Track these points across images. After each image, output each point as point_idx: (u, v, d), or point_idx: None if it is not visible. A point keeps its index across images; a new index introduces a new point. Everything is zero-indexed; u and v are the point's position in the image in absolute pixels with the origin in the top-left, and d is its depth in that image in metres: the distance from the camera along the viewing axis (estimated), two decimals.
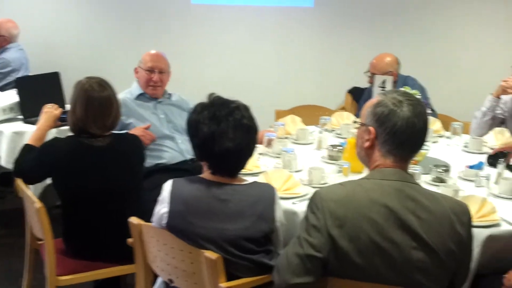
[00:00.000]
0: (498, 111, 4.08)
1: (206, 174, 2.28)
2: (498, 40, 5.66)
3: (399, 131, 1.89)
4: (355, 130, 2.08)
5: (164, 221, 2.22)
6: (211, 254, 2.08)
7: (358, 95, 5.00)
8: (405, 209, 1.83)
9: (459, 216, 1.88)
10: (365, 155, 1.99)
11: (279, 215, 2.27)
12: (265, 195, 2.26)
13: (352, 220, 1.81)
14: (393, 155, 1.92)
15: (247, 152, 2.29)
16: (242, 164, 2.31)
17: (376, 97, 1.98)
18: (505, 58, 4.60)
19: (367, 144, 1.95)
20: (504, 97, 4.04)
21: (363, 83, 4.65)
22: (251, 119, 2.28)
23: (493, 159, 3.19)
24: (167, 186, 2.24)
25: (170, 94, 3.86)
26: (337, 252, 1.82)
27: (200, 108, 2.26)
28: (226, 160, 2.22)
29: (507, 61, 4.20)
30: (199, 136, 2.22)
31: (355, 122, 2.09)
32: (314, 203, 1.88)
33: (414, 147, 1.97)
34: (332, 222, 1.82)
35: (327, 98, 5.17)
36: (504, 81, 3.95)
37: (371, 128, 1.92)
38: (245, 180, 2.31)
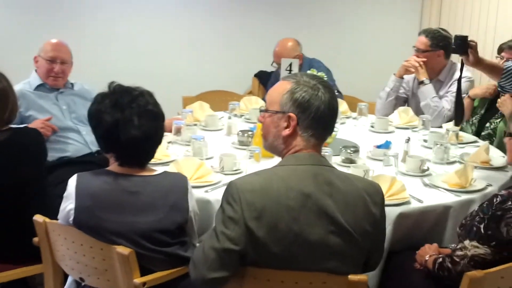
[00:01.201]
0: (401, 91, 4.19)
1: (113, 166, 2.20)
2: (400, 21, 5.81)
3: (322, 114, 1.88)
4: (265, 119, 1.98)
5: (71, 218, 2.12)
6: (123, 250, 2.02)
7: (264, 79, 5.01)
8: (322, 193, 1.82)
9: (372, 197, 1.90)
10: (283, 143, 1.93)
11: (192, 204, 2.22)
12: (177, 185, 2.20)
13: (270, 210, 1.78)
14: (315, 138, 1.91)
15: (155, 140, 2.23)
16: (151, 153, 2.24)
17: (284, 83, 1.93)
18: (407, 39, 4.70)
19: (287, 131, 1.90)
20: (407, 77, 4.16)
21: (269, 67, 4.64)
22: (156, 105, 2.21)
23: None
24: (72, 181, 2.14)
25: (72, 84, 3.70)
26: (255, 243, 1.79)
27: (100, 98, 2.18)
28: (133, 150, 2.15)
29: (409, 41, 4.30)
30: (102, 126, 2.13)
31: (265, 111, 1.99)
32: (230, 194, 1.82)
33: (332, 129, 1.98)
34: (250, 214, 1.77)
35: (234, 82, 5.14)
36: (406, 61, 4.06)
37: (292, 115, 1.88)
38: (155, 171, 2.24)
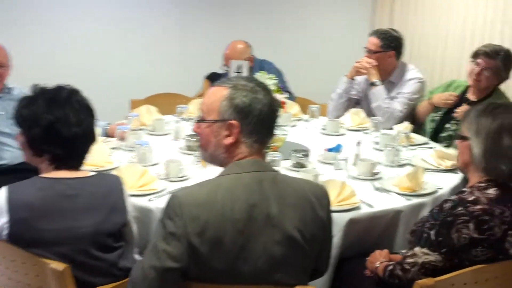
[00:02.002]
0: (353, 92, 4.14)
1: (46, 172, 2.10)
2: (353, 22, 5.79)
3: (265, 118, 1.81)
4: (202, 129, 1.88)
5: (5, 232, 1.99)
6: (57, 265, 1.91)
7: (216, 81, 4.88)
8: (268, 200, 1.75)
9: (319, 199, 1.84)
10: (224, 152, 1.84)
11: (130, 205, 2.18)
12: (114, 185, 2.15)
13: (214, 224, 1.69)
14: (258, 143, 1.83)
15: (93, 137, 2.18)
16: (87, 152, 2.18)
17: (219, 89, 1.83)
18: (359, 40, 4.65)
19: (229, 140, 1.81)
20: (358, 78, 4.11)
21: (222, 68, 4.55)
22: (88, 101, 2.19)
23: None
24: (2, 194, 2.00)
25: (10, 88, 3.53)
26: (198, 260, 1.71)
27: (30, 100, 2.11)
28: (74, 147, 2.10)
29: (361, 42, 4.25)
30: (39, 126, 2.05)
31: (202, 121, 1.87)
32: (172, 208, 1.72)
33: (273, 131, 1.90)
34: (193, 229, 1.68)
35: (185, 85, 5.02)
36: (357, 62, 4.01)
37: (234, 122, 1.79)
38: (88, 172, 2.17)
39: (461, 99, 3.70)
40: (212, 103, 1.83)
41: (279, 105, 1.92)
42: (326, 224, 1.87)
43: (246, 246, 1.72)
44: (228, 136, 1.81)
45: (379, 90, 3.93)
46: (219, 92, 1.83)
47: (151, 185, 2.56)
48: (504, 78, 3.58)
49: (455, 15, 4.93)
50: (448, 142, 3.56)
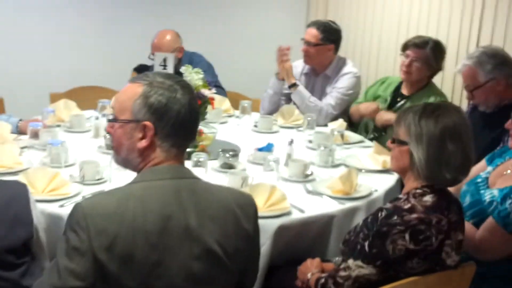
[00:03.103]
0: (285, 87, 3.97)
1: None
2: (286, 15, 5.67)
3: (184, 119, 1.65)
4: (115, 129, 1.70)
5: None
6: None
7: None
8: (185, 212, 1.58)
9: (244, 209, 1.70)
10: (138, 156, 1.67)
11: (36, 215, 1.96)
12: (17, 194, 1.93)
13: (124, 238, 1.51)
14: (176, 148, 1.67)
15: None
16: None
17: (134, 86, 1.66)
18: (293, 34, 4.47)
19: (143, 143, 1.64)
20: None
21: (150, 60, 4.32)
22: None
23: None
24: None
25: None
26: (106, 277, 1.52)
27: None
28: None
29: (295, 36, 4.09)
30: None
31: (114, 120, 1.70)
32: (75, 219, 1.53)
33: (194, 135, 1.75)
34: (100, 243, 1.50)
35: (111, 77, 4.76)
36: (282, 62, 3.85)
37: (148, 123, 1.62)
38: None
39: (396, 95, 3.62)
40: (124, 101, 1.66)
41: (203, 104, 1.73)
42: (252, 236, 1.72)
43: (161, 262, 1.55)
44: (142, 139, 1.64)
45: (301, 90, 3.79)
46: (133, 90, 1.65)
47: (63, 189, 2.34)
48: (436, 68, 3.53)
49: (389, 9, 4.87)
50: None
